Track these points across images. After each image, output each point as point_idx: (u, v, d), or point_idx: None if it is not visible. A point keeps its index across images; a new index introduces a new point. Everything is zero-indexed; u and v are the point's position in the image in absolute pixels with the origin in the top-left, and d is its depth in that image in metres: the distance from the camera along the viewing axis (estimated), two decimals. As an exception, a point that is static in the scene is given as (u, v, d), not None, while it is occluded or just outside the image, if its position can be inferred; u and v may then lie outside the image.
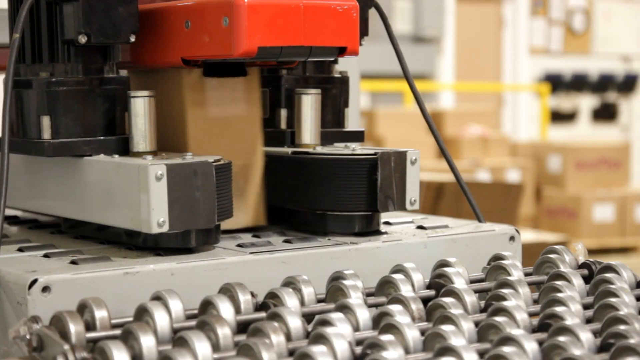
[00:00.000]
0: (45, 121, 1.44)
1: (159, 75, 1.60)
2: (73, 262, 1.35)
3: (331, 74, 1.76)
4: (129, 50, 1.58)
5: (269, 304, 1.27)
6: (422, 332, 1.15)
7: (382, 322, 1.18)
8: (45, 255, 1.41)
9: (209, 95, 1.59)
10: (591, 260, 1.47)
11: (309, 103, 1.63)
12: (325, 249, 1.47)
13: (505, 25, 9.86)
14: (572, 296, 1.29)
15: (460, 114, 8.32)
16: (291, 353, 1.12)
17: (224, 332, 1.14)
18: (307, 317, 1.23)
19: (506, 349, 1.06)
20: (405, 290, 1.34)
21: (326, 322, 1.17)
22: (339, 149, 1.62)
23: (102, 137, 1.47)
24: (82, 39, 1.42)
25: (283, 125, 1.69)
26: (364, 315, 1.22)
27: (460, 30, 9.57)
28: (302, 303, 1.31)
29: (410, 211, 1.63)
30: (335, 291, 1.32)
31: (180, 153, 1.45)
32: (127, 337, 1.12)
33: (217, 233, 1.46)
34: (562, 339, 1.11)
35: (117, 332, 1.15)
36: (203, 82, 1.58)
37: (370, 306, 1.28)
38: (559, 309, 1.21)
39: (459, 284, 1.36)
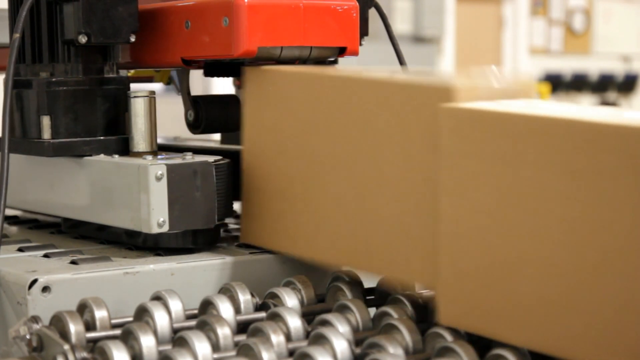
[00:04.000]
0: (45, 121, 1.44)
1: None
2: (73, 262, 1.35)
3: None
4: (129, 50, 1.58)
5: (269, 304, 1.27)
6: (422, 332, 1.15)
7: (382, 322, 1.18)
8: (45, 255, 1.41)
9: None
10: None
11: None
12: (325, 249, 1.46)
13: (505, 25, 9.87)
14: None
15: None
16: (291, 353, 1.11)
17: (224, 332, 1.14)
18: (307, 317, 1.23)
19: (506, 350, 1.06)
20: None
21: (326, 322, 1.17)
22: None
23: (102, 137, 1.47)
24: (82, 39, 1.42)
25: (283, 125, 1.68)
26: (364, 315, 1.22)
27: (460, 30, 9.57)
28: (302, 303, 1.31)
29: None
30: (335, 291, 1.32)
31: (181, 153, 1.45)
32: (127, 337, 1.12)
33: (217, 233, 1.46)
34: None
35: (117, 332, 1.15)
36: None
37: (370, 306, 1.28)
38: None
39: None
